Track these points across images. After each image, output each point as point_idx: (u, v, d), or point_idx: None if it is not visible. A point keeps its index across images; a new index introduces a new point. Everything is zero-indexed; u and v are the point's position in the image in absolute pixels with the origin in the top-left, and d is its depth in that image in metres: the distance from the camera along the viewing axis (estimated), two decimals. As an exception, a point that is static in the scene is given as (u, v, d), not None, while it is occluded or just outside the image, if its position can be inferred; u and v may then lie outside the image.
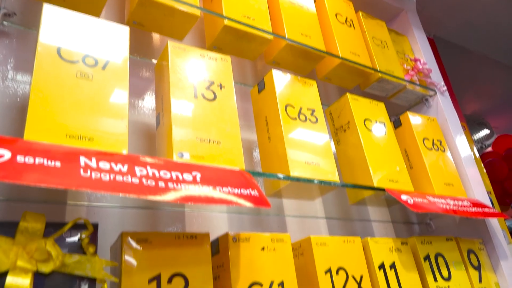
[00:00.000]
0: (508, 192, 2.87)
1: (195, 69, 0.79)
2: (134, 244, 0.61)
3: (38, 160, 0.52)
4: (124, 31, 0.72)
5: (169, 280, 0.61)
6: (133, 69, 0.95)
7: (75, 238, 0.56)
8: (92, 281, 0.54)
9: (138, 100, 0.93)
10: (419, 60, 1.30)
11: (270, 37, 0.95)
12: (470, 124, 2.91)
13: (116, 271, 0.60)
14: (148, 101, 0.95)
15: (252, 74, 1.19)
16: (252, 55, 1.00)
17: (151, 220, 0.84)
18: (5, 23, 0.79)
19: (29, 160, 0.51)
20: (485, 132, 2.92)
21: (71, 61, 0.64)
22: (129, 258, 0.59)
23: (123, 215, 0.80)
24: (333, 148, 1.00)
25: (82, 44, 0.67)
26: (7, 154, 0.50)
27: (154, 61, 0.97)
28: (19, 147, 0.53)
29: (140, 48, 0.98)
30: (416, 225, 1.30)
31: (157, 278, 0.60)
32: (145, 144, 0.89)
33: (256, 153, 1.07)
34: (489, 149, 2.95)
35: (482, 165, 1.83)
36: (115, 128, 0.63)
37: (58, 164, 0.53)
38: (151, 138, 0.90)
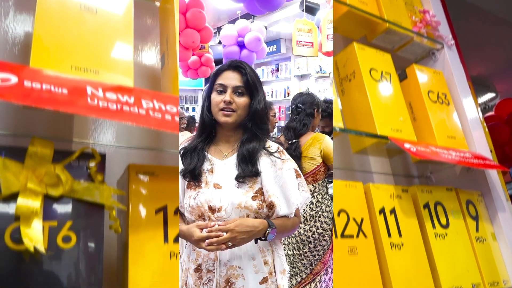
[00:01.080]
0: (509, 156, 2.87)
1: (201, 9, 0.78)
2: (141, 175, 0.62)
3: (45, 86, 0.52)
4: (128, -36, 0.70)
5: (176, 212, 0.63)
6: (136, 11, 0.93)
7: (83, 167, 0.56)
8: (100, 207, 0.56)
9: (141, 43, 0.92)
10: (428, 12, 1.27)
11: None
12: (475, 86, 2.88)
13: (124, 201, 0.61)
14: (151, 44, 0.94)
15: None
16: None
17: (155, 161, 0.84)
18: (5, -43, 0.77)
19: (36, 85, 0.51)
20: (490, 95, 2.90)
21: (75, -8, 0.63)
22: (136, 188, 0.60)
23: (127, 156, 0.81)
24: (338, 99, 0.99)
25: (86, -24, 0.65)
26: (14, 79, 0.50)
27: (157, 3, 0.95)
28: (26, 74, 0.53)
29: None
30: (416, 178, 1.31)
31: (164, 209, 0.62)
32: (149, 87, 0.88)
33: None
34: (491, 112, 2.94)
35: (485, 124, 1.83)
36: (120, 62, 0.63)
37: (65, 91, 0.53)
38: (155, 80, 0.89)
